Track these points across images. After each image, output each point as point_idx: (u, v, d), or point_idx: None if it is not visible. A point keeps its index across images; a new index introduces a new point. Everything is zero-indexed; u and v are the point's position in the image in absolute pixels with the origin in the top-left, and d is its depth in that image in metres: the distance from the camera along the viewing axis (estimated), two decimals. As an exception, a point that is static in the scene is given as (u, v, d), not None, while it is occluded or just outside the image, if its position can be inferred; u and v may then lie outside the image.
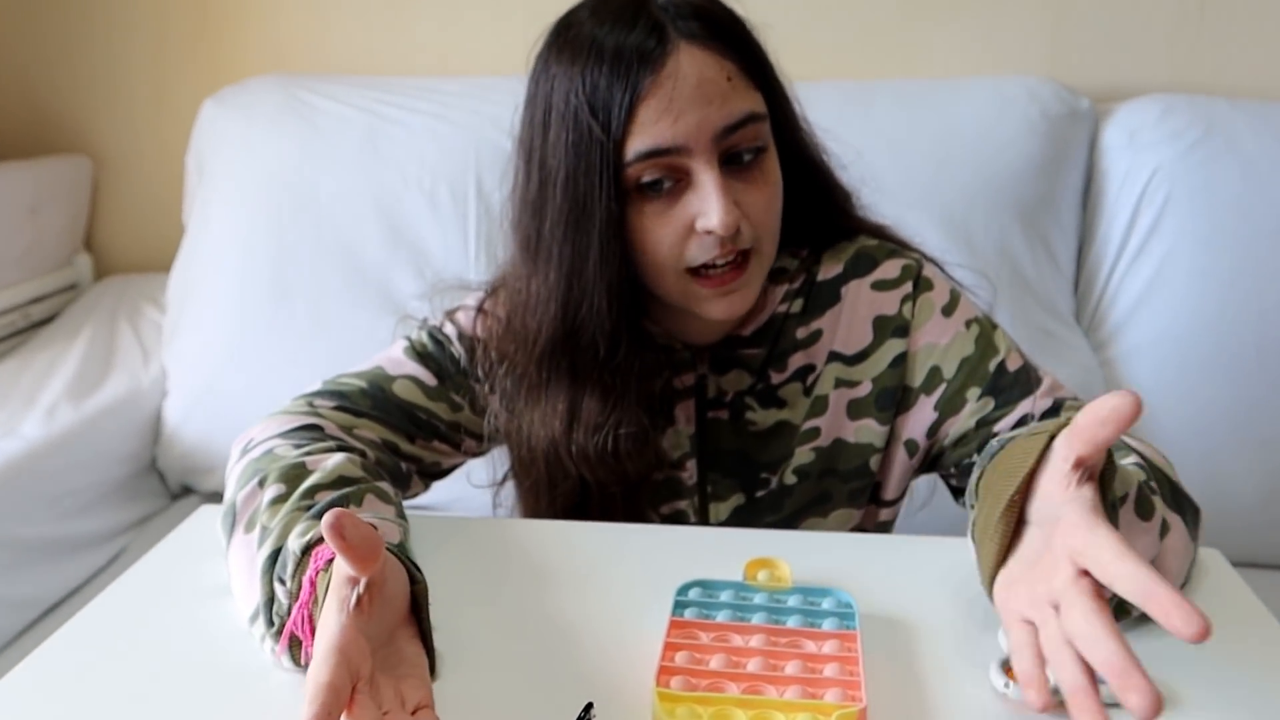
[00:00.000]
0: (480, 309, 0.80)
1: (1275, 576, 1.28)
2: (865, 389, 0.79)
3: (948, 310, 0.79)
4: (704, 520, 0.81)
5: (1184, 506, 0.63)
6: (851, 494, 0.81)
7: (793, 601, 0.59)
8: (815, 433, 0.79)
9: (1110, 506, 0.53)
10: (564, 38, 0.72)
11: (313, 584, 0.53)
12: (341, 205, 1.41)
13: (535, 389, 0.76)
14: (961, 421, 0.77)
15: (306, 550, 0.55)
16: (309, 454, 0.66)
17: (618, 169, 0.69)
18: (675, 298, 0.74)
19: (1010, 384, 0.76)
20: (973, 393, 0.76)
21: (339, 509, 0.48)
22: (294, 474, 0.64)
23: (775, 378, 0.79)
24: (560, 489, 0.78)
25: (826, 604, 0.59)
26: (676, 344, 0.79)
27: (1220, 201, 1.28)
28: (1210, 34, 1.43)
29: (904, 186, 1.31)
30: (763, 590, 0.60)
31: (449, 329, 0.81)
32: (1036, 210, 1.34)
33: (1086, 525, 0.48)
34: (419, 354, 0.79)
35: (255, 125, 1.46)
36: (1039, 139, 1.33)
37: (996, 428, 0.75)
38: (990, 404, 0.75)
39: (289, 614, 0.54)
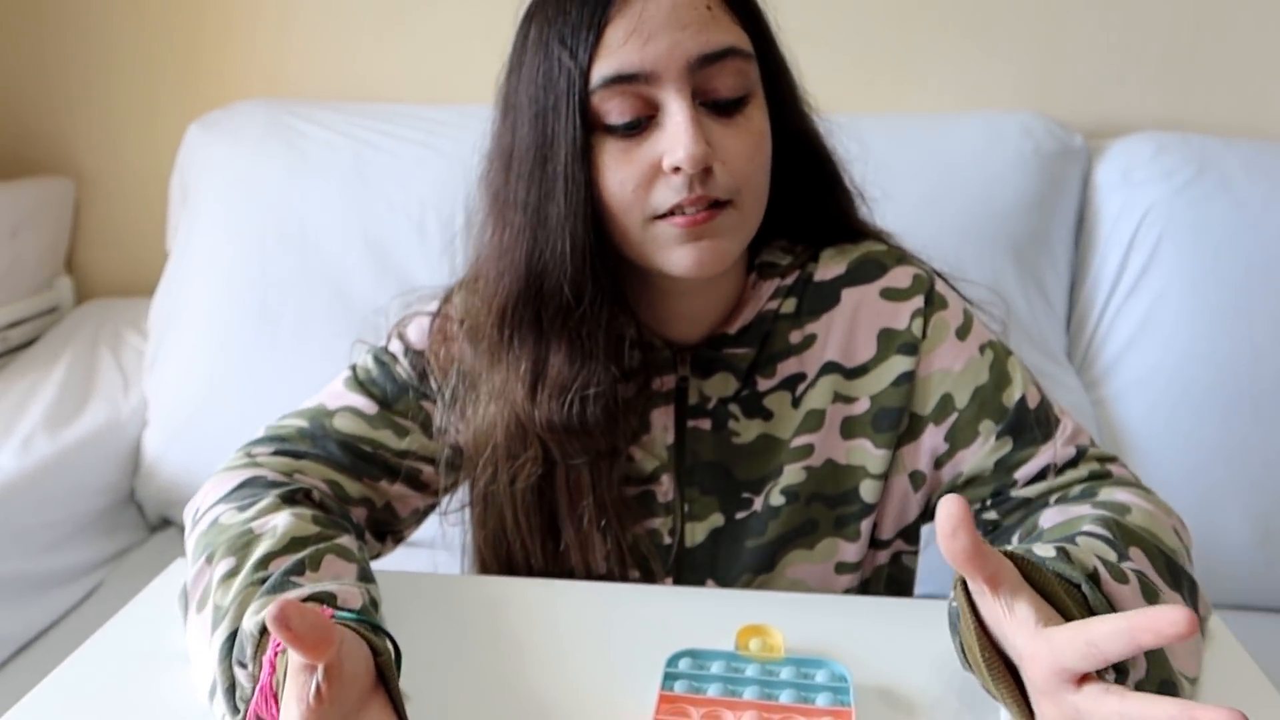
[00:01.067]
0: (439, 311, 0.76)
1: (1270, 619, 1.27)
2: (863, 406, 0.73)
3: (962, 333, 0.73)
4: (680, 542, 0.75)
5: (1180, 580, 0.60)
6: (839, 521, 0.75)
7: (785, 674, 0.57)
8: (808, 450, 0.73)
9: (1087, 580, 0.52)
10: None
11: (272, 665, 0.50)
12: (327, 232, 1.39)
13: (496, 351, 0.70)
14: (976, 459, 0.72)
15: (264, 630, 0.52)
16: (255, 516, 0.63)
17: (583, 99, 0.63)
18: (641, 251, 0.67)
19: (1031, 424, 0.71)
20: (987, 426, 0.72)
21: (283, 600, 0.43)
22: (242, 544, 0.61)
23: (762, 384, 0.74)
24: (522, 469, 0.71)
25: (820, 677, 0.57)
26: (657, 341, 0.73)
27: (1213, 241, 1.27)
28: (1202, 71, 1.43)
29: (895, 221, 1.29)
30: (755, 661, 0.58)
31: (395, 345, 0.76)
32: (1029, 247, 1.33)
33: (1038, 638, 0.47)
34: (360, 382, 0.75)
35: (241, 150, 1.45)
36: (1031, 175, 1.33)
37: (1017, 474, 0.71)
38: (1009, 444, 0.71)
39: (251, 697, 0.51)
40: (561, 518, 0.74)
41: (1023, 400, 0.72)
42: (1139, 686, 0.51)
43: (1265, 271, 1.25)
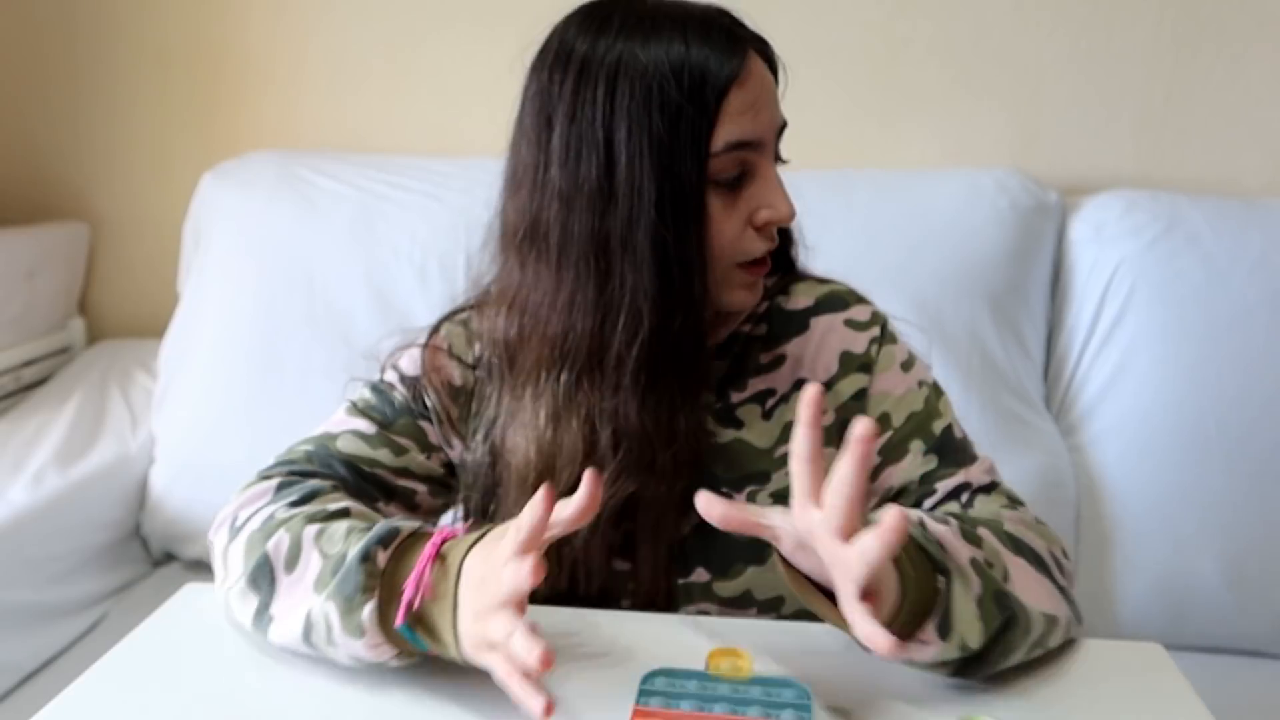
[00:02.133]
0: (427, 342, 0.82)
1: (1241, 661, 1.30)
2: (829, 418, 0.80)
3: (905, 366, 0.82)
4: (678, 532, 0.80)
5: (1023, 551, 0.69)
6: None
7: (753, 692, 0.61)
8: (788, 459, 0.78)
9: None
10: (623, 8, 0.72)
11: (436, 550, 0.62)
12: (333, 279, 1.44)
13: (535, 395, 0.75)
14: (904, 472, 0.79)
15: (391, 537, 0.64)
16: (314, 498, 0.72)
17: (701, 163, 0.70)
18: (712, 290, 0.74)
19: (954, 449, 0.79)
20: (916, 445, 0.79)
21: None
22: (318, 514, 0.69)
23: (734, 397, 0.82)
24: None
25: (786, 695, 0.61)
26: None
27: (1182, 294, 1.32)
28: (1171, 132, 1.49)
29: (878, 271, 1.34)
30: (725, 680, 0.62)
31: (390, 375, 0.83)
32: (1006, 298, 1.38)
33: (802, 517, 0.59)
34: (359, 410, 0.82)
35: (253, 199, 1.51)
36: (1008, 229, 1.38)
37: (938, 485, 0.78)
38: (935, 461, 0.78)
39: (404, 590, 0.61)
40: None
41: (949, 429, 0.80)
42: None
43: (1231, 324, 1.30)
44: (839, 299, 0.84)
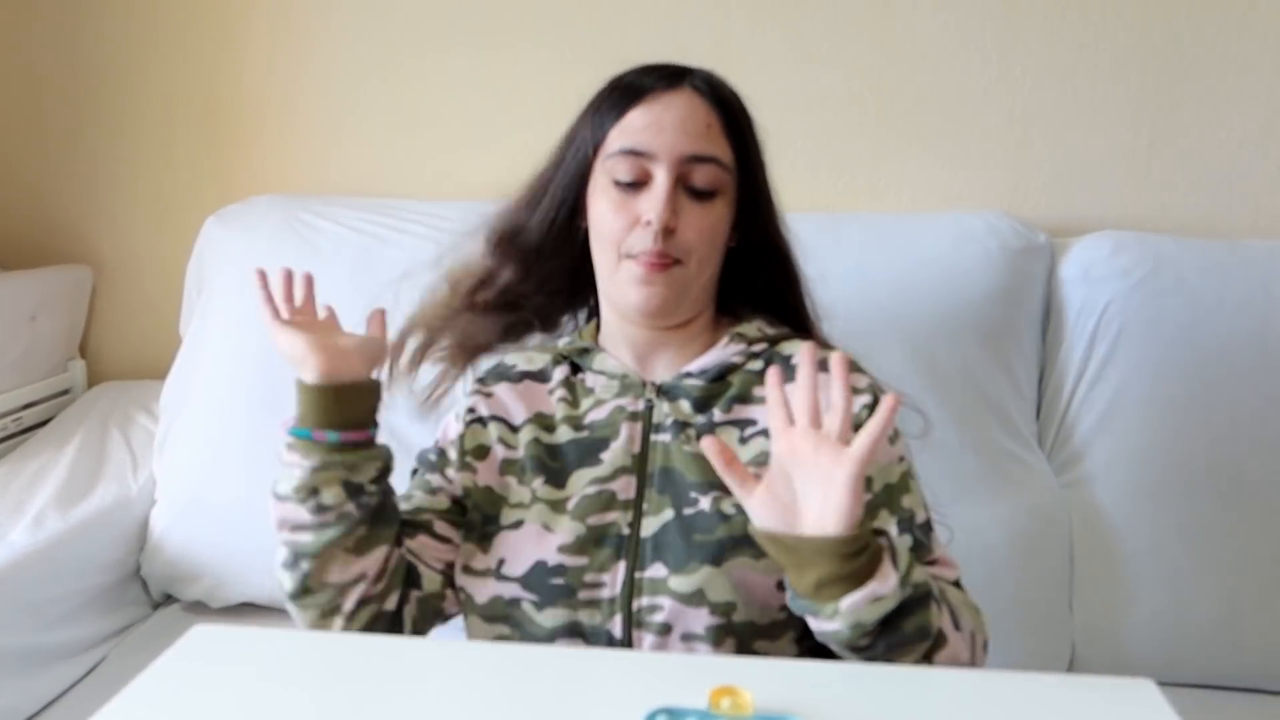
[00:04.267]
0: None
1: (1237, 698, 1.31)
2: None
3: (891, 440, 0.90)
4: (635, 531, 0.87)
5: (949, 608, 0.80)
6: None
7: (754, 729, 0.62)
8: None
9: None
10: (607, 83, 0.93)
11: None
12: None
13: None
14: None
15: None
16: None
17: (594, 151, 0.90)
18: (611, 285, 0.91)
19: (918, 534, 0.87)
20: (884, 515, 0.85)
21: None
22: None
23: (717, 416, 0.91)
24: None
25: (785, 732, 0.62)
26: (633, 375, 0.94)
27: (1169, 333, 1.35)
28: (1156, 175, 1.53)
29: (871, 312, 1.38)
30: (726, 717, 0.63)
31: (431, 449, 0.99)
32: (998, 337, 1.40)
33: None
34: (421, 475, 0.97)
35: (255, 243, 1.53)
36: (998, 270, 1.41)
37: None
38: (909, 542, 0.85)
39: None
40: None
41: (926, 522, 0.89)
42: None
43: (1219, 363, 1.33)
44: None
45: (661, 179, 0.86)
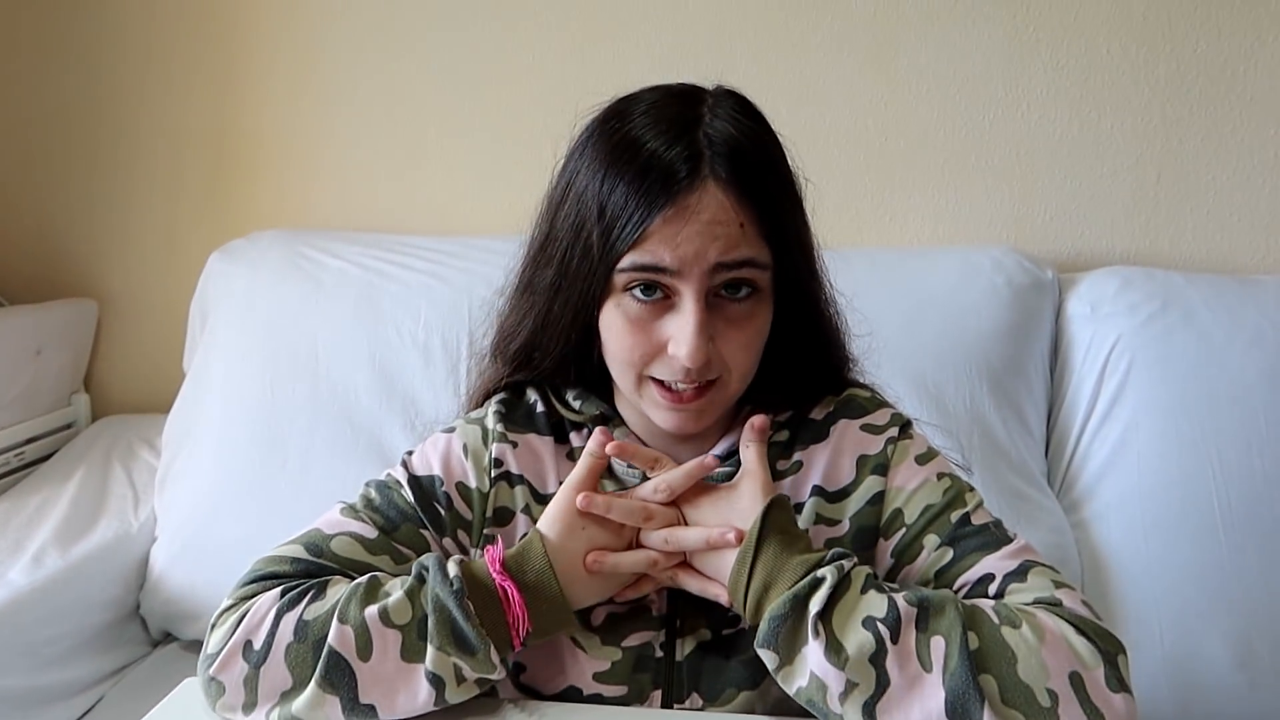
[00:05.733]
0: (475, 421, 0.85)
1: (1252, 744, 1.28)
2: (844, 528, 0.79)
3: (922, 459, 0.80)
4: (670, 655, 0.78)
5: (930, 650, 0.66)
6: None
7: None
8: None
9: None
10: (611, 124, 0.75)
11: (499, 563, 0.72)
12: (337, 357, 1.46)
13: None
14: (918, 571, 0.76)
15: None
16: (327, 587, 0.73)
17: (608, 271, 0.73)
18: (628, 391, 0.78)
19: (971, 535, 0.76)
20: (930, 540, 0.76)
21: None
22: (354, 594, 0.71)
23: None
24: None
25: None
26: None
27: (1179, 371, 1.33)
28: (1164, 209, 1.52)
29: (877, 348, 1.36)
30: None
31: (398, 473, 0.81)
32: (1006, 375, 1.39)
33: None
34: (357, 511, 0.79)
35: (259, 278, 1.53)
36: (1005, 306, 1.40)
37: (958, 580, 0.74)
38: (949, 554, 0.75)
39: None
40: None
41: (966, 517, 0.77)
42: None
43: (1230, 400, 1.31)
44: (858, 405, 0.83)
45: (690, 303, 0.71)
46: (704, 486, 0.77)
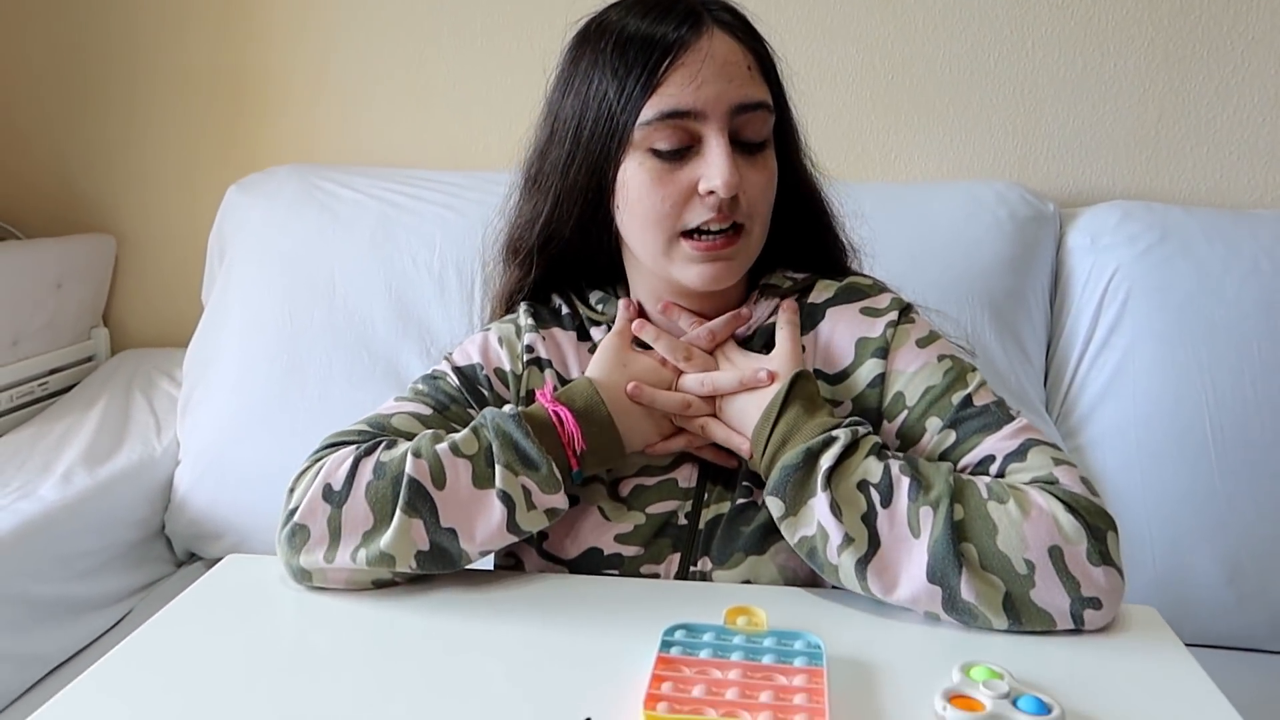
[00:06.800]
0: (509, 321, 0.90)
1: (1240, 657, 1.33)
2: (846, 409, 0.82)
3: (923, 343, 0.83)
4: (694, 523, 0.82)
5: (920, 521, 0.71)
6: None
7: (768, 643, 0.65)
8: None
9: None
10: (602, 16, 0.81)
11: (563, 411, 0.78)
12: (354, 287, 1.49)
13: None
14: (923, 453, 0.79)
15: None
16: (395, 443, 0.78)
17: (626, 129, 0.77)
18: (657, 257, 0.81)
19: (973, 416, 0.78)
20: (933, 423, 0.79)
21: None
22: (424, 439, 0.77)
23: None
24: None
25: (798, 645, 0.65)
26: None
27: (1176, 300, 1.37)
28: (1166, 146, 1.55)
29: (882, 278, 1.39)
30: (741, 633, 0.66)
31: (443, 366, 0.88)
32: (1007, 305, 1.42)
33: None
34: (412, 397, 0.85)
35: (276, 211, 1.56)
36: (1007, 239, 1.43)
37: (959, 465, 0.77)
38: (951, 437, 0.78)
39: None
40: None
41: (969, 399, 0.79)
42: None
43: (1225, 329, 1.34)
44: (858, 290, 0.87)
45: (716, 140, 0.75)
46: (740, 353, 0.83)
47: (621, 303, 0.87)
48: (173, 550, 1.51)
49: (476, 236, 1.49)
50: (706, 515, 0.83)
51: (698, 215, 0.78)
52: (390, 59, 1.68)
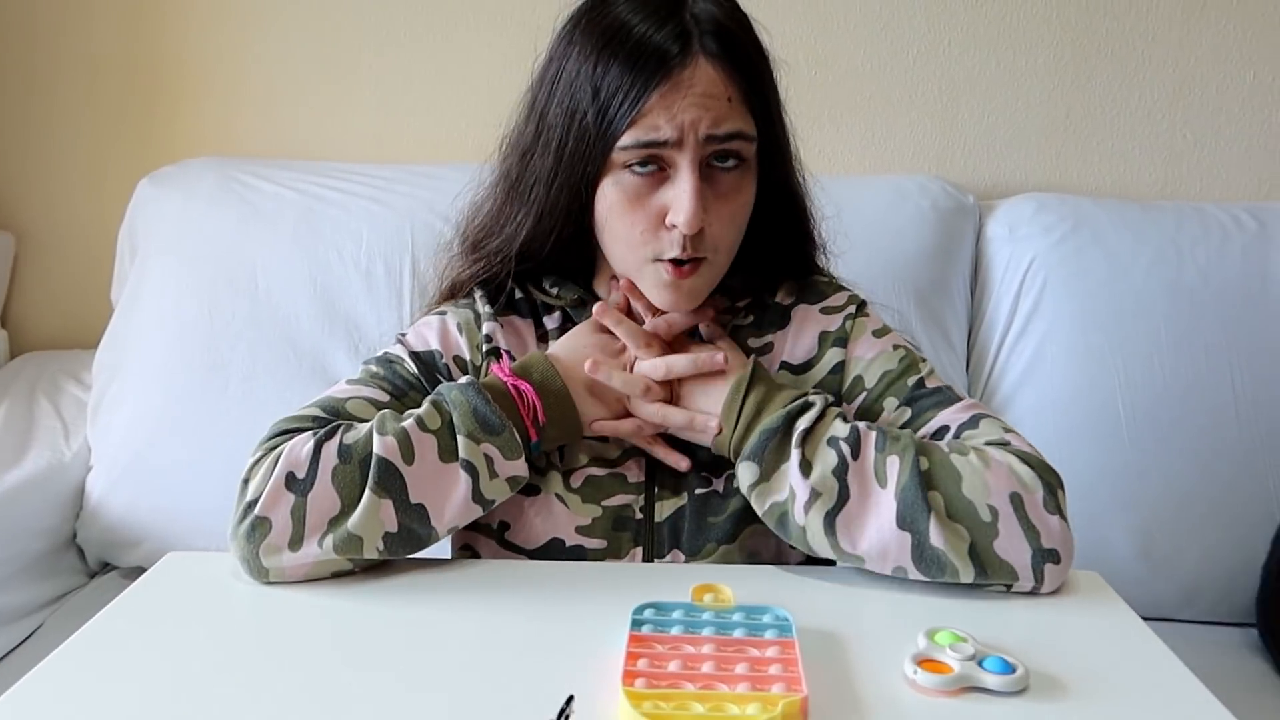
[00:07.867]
0: (465, 305, 0.89)
1: (1153, 627, 1.38)
2: None
3: (878, 334, 0.89)
4: (650, 517, 0.84)
5: (887, 472, 0.73)
6: None
7: (737, 617, 0.65)
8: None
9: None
10: (597, 11, 0.79)
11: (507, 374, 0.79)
12: (277, 283, 1.44)
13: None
14: None
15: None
16: (355, 425, 0.77)
17: (605, 150, 0.77)
18: (630, 272, 0.83)
19: (927, 396, 0.84)
20: (890, 402, 0.84)
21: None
22: (387, 418, 0.76)
23: None
24: None
25: (767, 619, 0.65)
26: None
27: (1089, 288, 1.43)
28: (1074, 140, 1.62)
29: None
30: (709, 609, 0.66)
31: (397, 349, 0.86)
32: (931, 294, 1.47)
33: None
34: (365, 381, 0.83)
35: (193, 205, 1.50)
36: (930, 230, 1.47)
37: (918, 434, 0.80)
38: (908, 413, 0.83)
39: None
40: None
41: (921, 381, 0.85)
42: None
43: (1134, 314, 1.41)
44: (817, 290, 0.91)
45: (686, 171, 0.76)
46: (694, 344, 0.86)
47: (612, 283, 0.87)
48: (85, 560, 1.44)
49: (405, 231, 1.49)
50: (664, 509, 0.84)
51: (666, 248, 0.79)
52: (312, 48, 1.64)
